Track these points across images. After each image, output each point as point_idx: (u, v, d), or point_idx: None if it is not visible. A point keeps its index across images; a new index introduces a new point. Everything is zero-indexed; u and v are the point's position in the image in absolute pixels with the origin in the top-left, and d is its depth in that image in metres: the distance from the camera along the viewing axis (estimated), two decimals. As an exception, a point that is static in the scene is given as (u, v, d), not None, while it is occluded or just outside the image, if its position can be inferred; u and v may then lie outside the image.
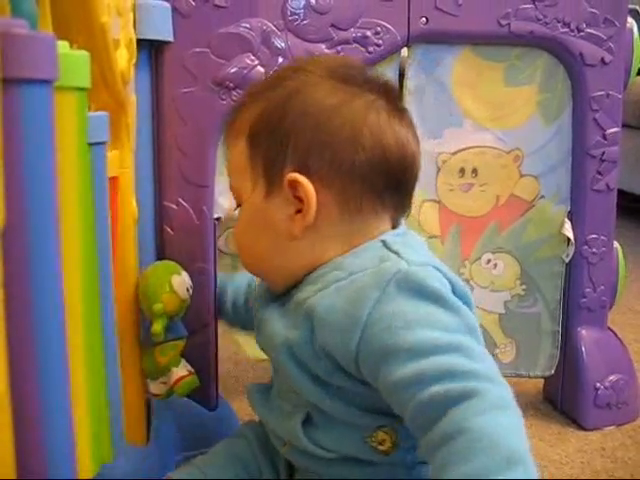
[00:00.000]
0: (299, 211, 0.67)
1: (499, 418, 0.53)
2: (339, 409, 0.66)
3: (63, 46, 0.49)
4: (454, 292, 0.63)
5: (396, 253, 0.64)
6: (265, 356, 0.74)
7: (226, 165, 0.76)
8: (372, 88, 0.69)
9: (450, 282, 0.63)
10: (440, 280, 0.62)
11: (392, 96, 0.71)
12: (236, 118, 0.73)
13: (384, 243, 0.66)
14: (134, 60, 0.80)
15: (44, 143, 0.39)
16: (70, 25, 0.60)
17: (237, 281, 0.95)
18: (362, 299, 0.61)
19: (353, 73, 0.70)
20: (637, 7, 2.95)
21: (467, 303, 0.63)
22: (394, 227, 0.71)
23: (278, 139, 0.67)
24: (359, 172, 0.66)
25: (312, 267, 0.68)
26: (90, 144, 0.61)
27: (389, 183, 0.68)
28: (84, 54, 0.51)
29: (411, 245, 0.67)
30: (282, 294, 0.72)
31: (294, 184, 0.66)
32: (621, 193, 1.21)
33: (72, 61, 0.48)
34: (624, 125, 1.09)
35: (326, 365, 0.64)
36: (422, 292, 0.60)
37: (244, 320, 0.92)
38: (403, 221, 0.74)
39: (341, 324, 0.61)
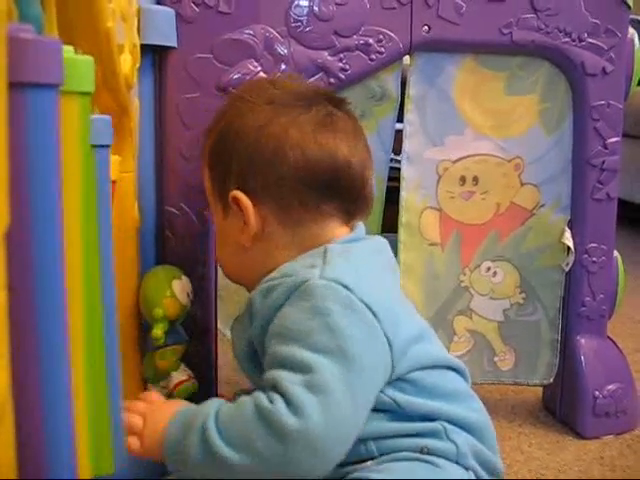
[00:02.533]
0: (246, 223, 0.73)
1: (261, 432, 0.59)
2: None
3: (68, 50, 0.49)
4: (372, 311, 0.65)
5: (324, 262, 0.68)
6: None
7: None
8: (302, 103, 0.74)
9: (363, 303, 0.65)
10: (339, 298, 0.64)
11: (329, 105, 0.75)
12: (202, 150, 0.81)
13: (325, 250, 0.70)
14: (138, 65, 0.81)
15: (49, 147, 0.39)
16: (75, 30, 0.60)
17: None
18: (275, 302, 0.67)
19: (282, 90, 0.76)
20: None
21: (384, 328, 0.65)
22: (349, 228, 0.75)
23: (223, 163, 0.75)
24: (288, 186, 0.72)
25: (267, 273, 0.72)
26: (93, 146, 0.61)
27: (323, 193, 0.72)
28: (89, 59, 0.51)
29: (349, 256, 0.70)
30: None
31: (235, 200, 0.73)
32: (622, 203, 1.22)
33: (77, 66, 0.48)
34: (625, 135, 1.09)
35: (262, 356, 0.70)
36: (310, 305, 0.64)
37: None
38: (361, 224, 0.77)
39: (260, 320, 0.68)
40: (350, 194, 0.74)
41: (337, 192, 0.73)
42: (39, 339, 0.38)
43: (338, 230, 0.74)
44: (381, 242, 0.77)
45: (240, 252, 0.76)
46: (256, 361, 0.71)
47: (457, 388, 0.72)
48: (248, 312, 0.71)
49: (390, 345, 0.66)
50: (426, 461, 0.65)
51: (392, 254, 0.78)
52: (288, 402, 0.58)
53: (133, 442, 0.66)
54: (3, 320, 0.35)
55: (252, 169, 0.73)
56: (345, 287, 0.65)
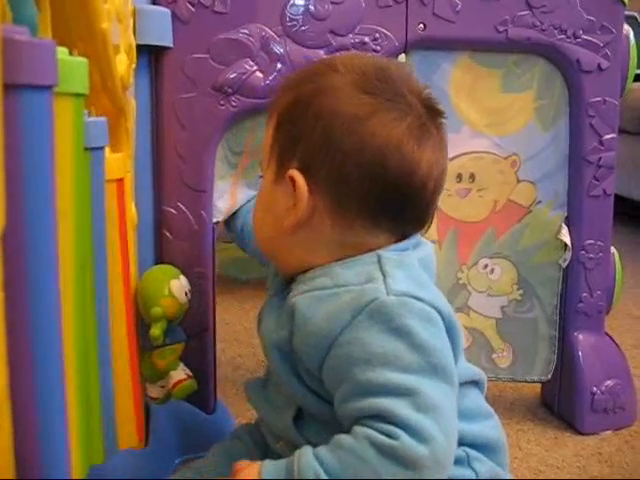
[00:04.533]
0: (294, 206, 0.68)
1: (392, 470, 0.55)
2: (321, 409, 0.66)
3: (62, 52, 0.49)
4: (443, 320, 0.63)
5: (384, 275, 0.63)
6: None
7: None
8: (397, 106, 0.66)
9: (436, 309, 0.63)
10: (415, 312, 0.61)
11: (422, 113, 0.68)
12: (276, 99, 0.73)
13: (378, 258, 0.65)
14: (134, 65, 0.81)
15: (44, 148, 0.39)
16: (70, 31, 0.60)
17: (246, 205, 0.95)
18: (336, 319, 0.62)
19: (385, 85, 0.67)
20: (636, 14, 2.96)
21: (452, 333, 0.64)
22: (399, 240, 0.69)
23: (293, 134, 0.68)
24: (354, 188, 0.66)
25: (304, 267, 0.69)
26: (89, 149, 0.61)
27: (387, 208, 0.67)
28: (82, 60, 0.51)
29: (405, 266, 0.66)
30: (287, 289, 0.71)
31: (292, 180, 0.67)
32: (619, 199, 1.22)
33: (70, 67, 0.48)
34: (622, 131, 1.10)
35: (302, 366, 0.66)
36: (390, 326, 0.60)
37: (245, 243, 0.93)
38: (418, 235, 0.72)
39: (313, 337, 0.63)
40: (412, 216, 0.69)
41: (400, 211, 0.68)
42: (34, 338, 0.38)
43: (385, 242, 0.68)
44: (429, 252, 0.71)
45: (277, 229, 0.70)
46: (286, 360, 0.67)
47: (480, 406, 0.71)
48: (288, 313, 0.66)
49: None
50: None
51: (434, 263, 0.73)
52: (410, 432, 0.55)
53: None
54: (0, 321, 0.35)
55: (323, 156, 0.66)
56: (417, 299, 0.62)
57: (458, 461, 0.64)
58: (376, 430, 0.56)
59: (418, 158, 0.66)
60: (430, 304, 0.62)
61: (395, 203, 0.67)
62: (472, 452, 0.66)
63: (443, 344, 0.62)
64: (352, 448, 0.57)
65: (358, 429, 0.58)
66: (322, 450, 0.59)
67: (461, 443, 0.63)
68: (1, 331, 0.36)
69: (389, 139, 0.65)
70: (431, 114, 0.69)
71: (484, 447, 0.67)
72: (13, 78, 0.37)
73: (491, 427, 0.70)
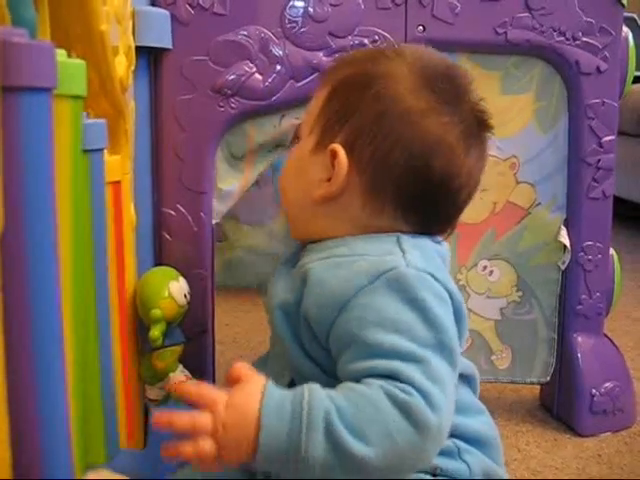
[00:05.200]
0: (330, 180, 0.68)
1: (402, 425, 0.54)
2: (316, 376, 0.64)
3: (60, 54, 0.49)
4: (453, 304, 0.63)
5: (402, 251, 0.64)
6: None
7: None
8: (455, 110, 0.67)
9: (448, 292, 0.63)
10: (433, 289, 0.62)
11: (474, 124, 0.68)
12: (332, 69, 0.74)
13: (398, 238, 0.66)
14: (133, 67, 0.81)
15: (43, 150, 0.39)
16: (69, 33, 0.60)
17: None
18: (352, 282, 0.61)
19: (449, 86, 0.68)
20: (635, 16, 2.96)
21: (458, 316, 0.64)
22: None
23: (345, 109, 0.68)
24: (394, 178, 0.66)
25: (320, 237, 0.69)
26: (88, 151, 0.61)
27: (420, 202, 0.67)
28: (81, 63, 0.51)
29: (422, 248, 0.66)
30: (296, 256, 0.72)
31: (333, 154, 0.67)
32: (618, 200, 1.22)
33: (69, 69, 0.48)
34: (621, 133, 1.10)
35: (306, 331, 0.65)
36: (407, 297, 0.60)
37: None
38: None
39: (326, 299, 0.62)
40: (440, 217, 0.70)
41: (431, 210, 0.69)
42: (34, 339, 0.38)
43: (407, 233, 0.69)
44: (446, 248, 0.72)
45: (305, 196, 0.70)
46: (290, 323, 0.67)
47: (471, 401, 0.71)
48: (300, 278, 0.65)
49: None
50: None
51: (449, 261, 0.73)
52: (423, 396, 0.55)
53: (207, 446, 0.53)
54: (-2, 322, 0.35)
55: (371, 138, 0.66)
56: (433, 277, 0.62)
57: (448, 453, 0.64)
58: (391, 385, 0.55)
59: (462, 164, 0.67)
60: (444, 285, 0.63)
61: (429, 201, 0.68)
62: (462, 444, 0.66)
63: (452, 326, 0.62)
64: (365, 393, 0.55)
65: (370, 380, 0.56)
66: (330, 391, 0.56)
67: (451, 435, 0.62)
68: (0, 332, 0.36)
69: (442, 139, 0.66)
70: (481, 126, 0.69)
71: (475, 441, 0.67)
72: (12, 80, 0.37)
73: (482, 422, 0.69)
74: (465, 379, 0.71)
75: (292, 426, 0.54)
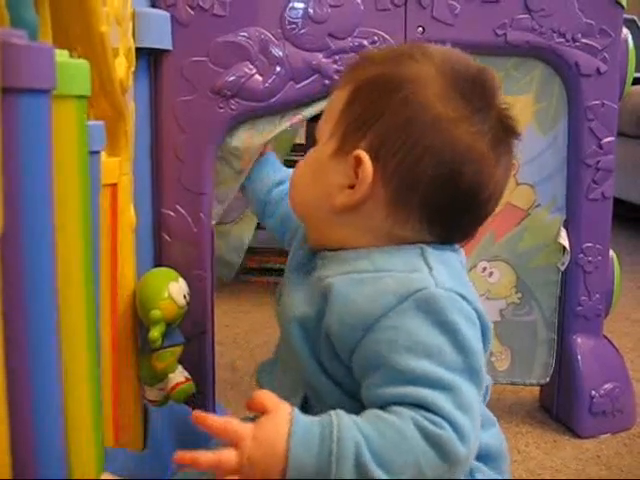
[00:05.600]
0: (351, 187, 0.65)
1: (431, 458, 0.54)
2: (333, 394, 0.65)
3: (63, 55, 0.49)
4: (480, 323, 0.62)
5: (429, 267, 0.62)
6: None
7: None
8: (485, 117, 0.64)
9: (476, 312, 0.62)
10: (463, 311, 0.60)
11: (501, 130, 0.66)
12: (355, 67, 0.70)
13: (422, 251, 0.64)
14: (133, 68, 0.81)
15: (42, 151, 0.39)
16: (69, 34, 0.60)
17: (273, 176, 0.93)
18: (379, 302, 0.59)
19: (480, 90, 0.65)
20: (635, 17, 2.96)
21: (485, 335, 0.63)
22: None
23: (369, 113, 0.65)
24: (424, 187, 0.63)
25: (338, 246, 0.67)
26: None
27: (448, 212, 0.65)
28: (84, 63, 0.51)
29: (447, 263, 0.64)
30: (310, 263, 0.70)
31: (358, 161, 0.64)
32: (618, 202, 1.22)
33: (72, 69, 0.48)
34: (621, 134, 1.10)
35: (326, 348, 0.63)
36: (437, 319, 0.58)
37: (266, 216, 0.91)
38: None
39: (350, 317, 0.60)
40: (465, 227, 0.68)
41: (458, 219, 0.66)
42: (31, 340, 0.38)
43: (430, 242, 0.66)
44: (464, 257, 0.71)
45: (324, 203, 0.67)
46: (308, 339, 0.65)
47: (484, 415, 0.68)
48: (321, 293, 0.63)
49: None
50: None
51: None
52: (454, 428, 0.54)
53: None
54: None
55: (400, 145, 0.63)
56: (462, 297, 0.61)
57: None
58: (421, 416, 0.55)
59: (492, 174, 0.65)
60: (473, 305, 0.61)
61: (457, 210, 0.65)
62: (473, 463, 0.64)
63: (480, 348, 0.61)
64: (395, 424, 0.54)
65: (401, 409, 0.55)
66: (357, 419, 0.56)
67: None
68: (-1, 334, 0.36)
69: (472, 148, 0.63)
70: (508, 132, 0.67)
71: (485, 456, 0.66)
72: (11, 82, 0.37)
73: (492, 436, 0.68)
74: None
75: (321, 457, 0.54)
